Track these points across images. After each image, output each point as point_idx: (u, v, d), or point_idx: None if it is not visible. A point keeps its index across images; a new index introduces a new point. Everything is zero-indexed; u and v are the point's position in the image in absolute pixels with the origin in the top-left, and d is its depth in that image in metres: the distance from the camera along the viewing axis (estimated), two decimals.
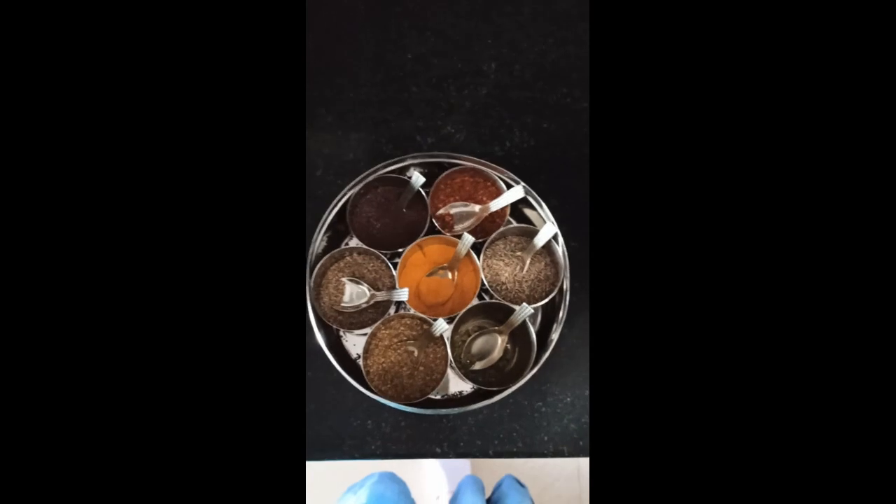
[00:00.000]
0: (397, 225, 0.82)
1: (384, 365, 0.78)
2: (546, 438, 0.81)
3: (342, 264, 0.81)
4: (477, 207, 0.81)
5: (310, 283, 0.77)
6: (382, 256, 0.79)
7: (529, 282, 0.81)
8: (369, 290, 0.78)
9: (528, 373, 0.75)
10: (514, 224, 0.85)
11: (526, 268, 0.81)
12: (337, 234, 0.84)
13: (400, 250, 0.79)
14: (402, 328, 0.79)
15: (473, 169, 0.83)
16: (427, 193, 0.81)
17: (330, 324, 0.77)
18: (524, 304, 0.75)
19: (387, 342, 0.78)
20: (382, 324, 0.77)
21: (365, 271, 0.80)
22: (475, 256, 0.79)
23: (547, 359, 0.76)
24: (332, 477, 1.29)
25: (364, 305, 0.78)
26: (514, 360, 0.81)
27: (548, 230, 0.78)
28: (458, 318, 0.78)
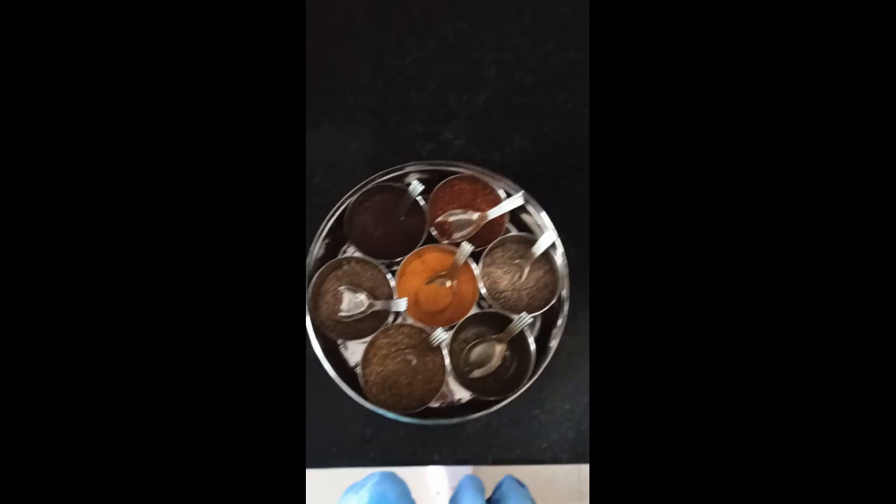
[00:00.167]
0: (396, 233, 0.82)
1: (383, 374, 0.78)
2: (545, 446, 0.81)
3: (340, 273, 0.81)
4: (475, 215, 0.81)
5: (308, 292, 0.78)
6: (381, 266, 0.79)
7: (528, 290, 0.81)
8: (367, 300, 0.78)
9: (527, 382, 0.75)
10: (513, 231, 0.85)
11: (525, 276, 0.81)
12: (335, 242, 0.84)
13: (398, 259, 0.79)
14: (400, 337, 0.79)
15: (472, 176, 0.83)
16: (426, 201, 0.81)
17: (328, 334, 0.78)
18: (523, 313, 0.75)
19: (385, 351, 0.79)
20: (381, 333, 0.78)
21: (363, 280, 0.80)
22: (473, 265, 0.79)
23: (546, 366, 0.77)
24: (331, 477, 1.30)
25: (362, 315, 0.78)
26: (514, 367, 0.81)
27: (547, 238, 0.78)
28: (456, 326, 0.78)
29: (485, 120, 0.92)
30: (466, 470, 1.53)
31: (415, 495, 1.11)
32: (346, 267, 0.81)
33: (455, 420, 0.75)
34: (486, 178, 0.82)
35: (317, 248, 0.80)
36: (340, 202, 0.80)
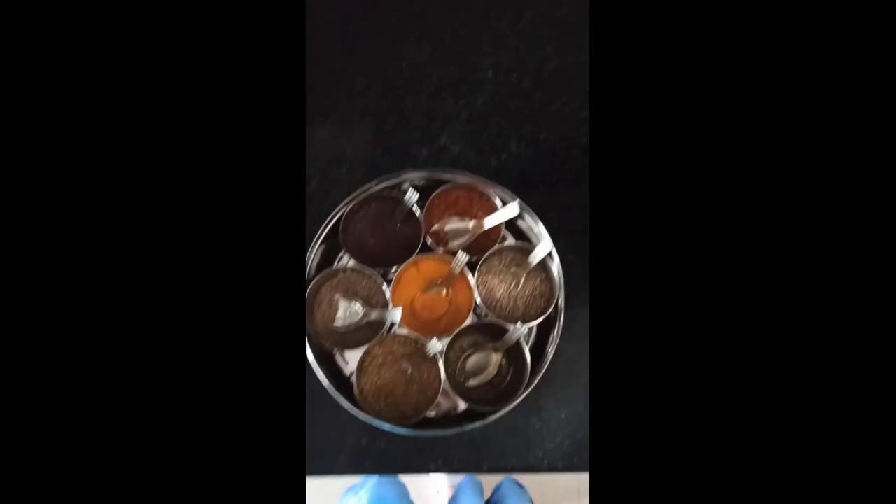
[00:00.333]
0: (392, 241, 0.82)
1: (378, 383, 0.78)
2: (540, 454, 0.81)
3: (335, 281, 0.80)
4: (472, 223, 0.80)
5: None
6: (376, 275, 0.78)
7: (525, 298, 0.81)
8: (363, 308, 0.78)
9: (522, 393, 0.75)
10: (510, 239, 0.85)
11: (521, 284, 0.81)
12: (331, 249, 0.84)
13: (394, 268, 0.78)
14: (395, 346, 0.79)
15: (468, 184, 0.82)
16: (422, 208, 0.81)
17: (323, 343, 0.77)
18: (518, 323, 0.75)
19: (381, 360, 0.78)
20: (376, 342, 0.77)
21: (359, 288, 0.80)
22: (469, 274, 0.79)
23: (542, 374, 0.76)
24: (326, 485, 1.30)
25: (357, 324, 0.78)
26: (510, 376, 0.81)
27: (543, 248, 0.77)
28: (453, 335, 0.78)
29: (482, 125, 0.91)
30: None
31: (414, 495, 1.11)
32: (341, 276, 0.80)
33: (449, 432, 0.75)
34: (482, 187, 0.81)
35: (312, 256, 0.80)
36: (336, 211, 0.80)
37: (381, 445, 0.81)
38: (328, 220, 0.80)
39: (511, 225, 0.84)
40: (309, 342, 0.76)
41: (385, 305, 0.79)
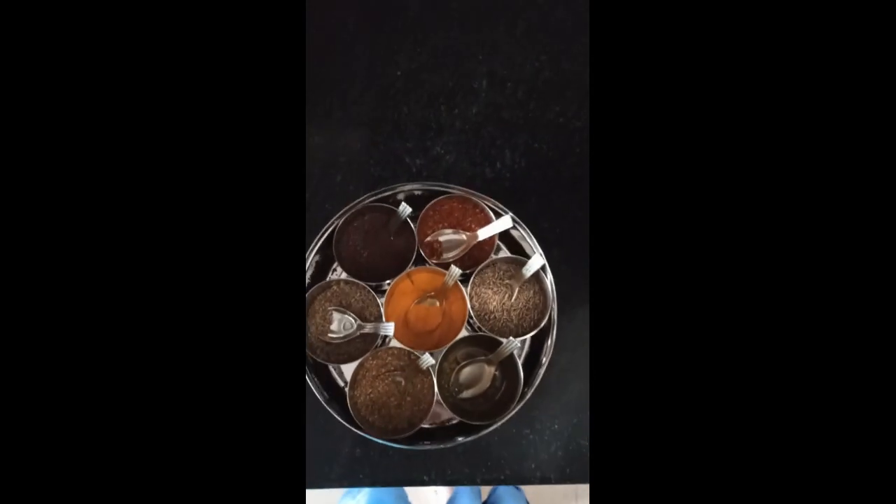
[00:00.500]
0: (385, 253, 0.82)
1: (371, 396, 0.78)
2: (533, 466, 0.82)
3: (329, 294, 0.80)
4: (465, 235, 0.80)
5: None
6: (369, 288, 0.78)
7: (518, 310, 0.81)
8: (356, 321, 0.78)
9: (515, 407, 0.75)
10: (504, 250, 0.85)
11: (515, 296, 0.81)
12: (325, 260, 0.84)
13: (388, 282, 0.78)
14: (389, 358, 0.79)
15: (462, 196, 0.82)
16: (415, 220, 0.81)
17: (316, 357, 0.77)
18: (511, 338, 0.75)
19: (374, 372, 0.79)
20: (370, 354, 0.78)
21: (352, 300, 0.80)
22: (462, 287, 0.79)
23: (535, 385, 0.77)
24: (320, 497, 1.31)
25: (351, 336, 0.78)
26: (503, 389, 0.81)
27: (535, 262, 0.77)
28: (446, 347, 0.78)
29: (476, 134, 0.91)
30: None
31: (412, 497, 1.12)
32: (335, 288, 0.80)
33: (441, 447, 0.75)
34: (476, 198, 0.81)
35: (307, 267, 0.80)
36: (329, 223, 0.79)
37: (375, 457, 0.81)
38: (322, 232, 0.79)
39: (505, 235, 0.84)
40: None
41: (379, 318, 0.79)
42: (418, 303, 0.80)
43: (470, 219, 0.82)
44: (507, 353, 0.76)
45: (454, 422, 0.82)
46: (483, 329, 0.78)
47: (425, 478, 0.81)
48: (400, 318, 0.80)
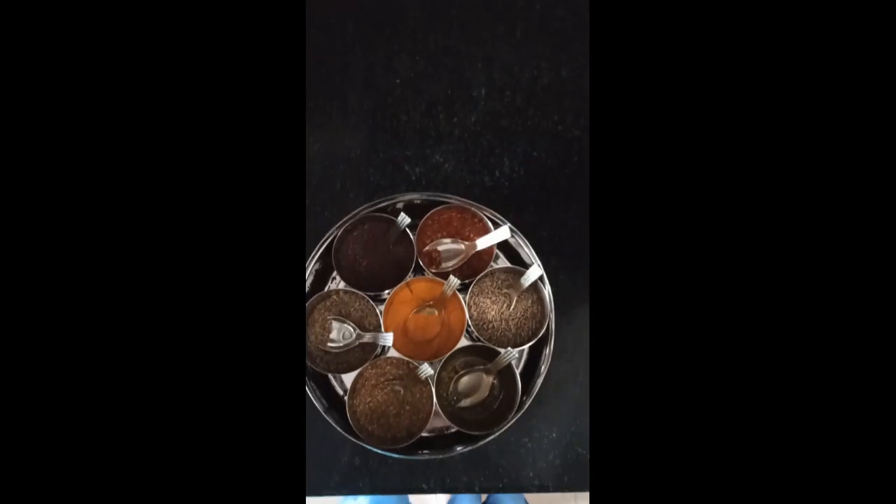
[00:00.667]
0: (384, 262, 0.82)
1: (371, 404, 0.78)
2: (531, 474, 0.82)
3: (328, 303, 0.81)
4: (464, 245, 0.81)
5: None
6: (367, 298, 0.79)
7: (516, 320, 0.81)
8: (355, 330, 0.78)
9: (513, 417, 0.75)
10: (502, 259, 0.85)
11: (513, 305, 0.81)
12: (325, 268, 0.84)
13: (387, 291, 0.79)
14: (388, 367, 0.79)
15: (461, 205, 0.82)
16: (414, 229, 0.81)
17: (315, 366, 0.78)
18: (509, 348, 0.75)
19: (373, 381, 0.79)
20: (369, 364, 0.78)
21: (351, 310, 0.80)
22: (461, 296, 0.79)
23: (533, 394, 0.77)
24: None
25: (351, 346, 0.78)
26: (501, 398, 0.82)
27: (533, 272, 0.77)
28: (445, 357, 0.79)
29: (475, 142, 0.91)
30: None
31: (412, 497, 1.13)
32: (334, 297, 0.81)
33: (440, 456, 0.76)
34: (474, 208, 0.81)
35: (306, 276, 0.80)
36: (328, 234, 0.80)
37: (374, 465, 0.82)
38: (321, 241, 0.80)
39: (504, 244, 0.84)
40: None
41: (378, 327, 0.79)
42: (417, 312, 0.80)
43: (468, 228, 0.83)
44: (505, 364, 0.77)
45: (453, 430, 0.82)
46: (481, 338, 0.78)
47: (424, 486, 0.81)
48: (399, 327, 0.80)
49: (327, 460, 0.82)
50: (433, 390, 0.77)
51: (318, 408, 0.76)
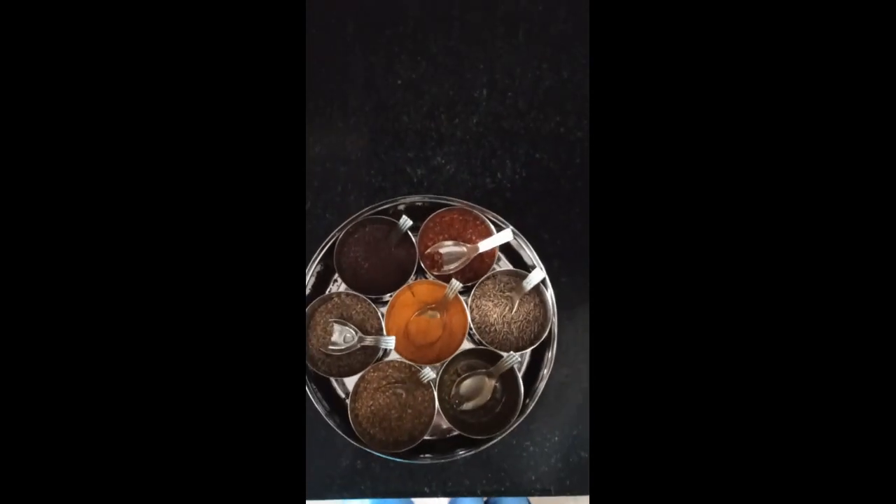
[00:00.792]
0: (386, 265, 0.82)
1: (373, 408, 0.78)
2: (533, 478, 0.82)
3: (330, 305, 0.80)
4: (466, 247, 0.80)
5: None
6: (369, 301, 0.78)
7: (518, 323, 0.81)
8: (357, 333, 0.78)
9: (516, 421, 0.75)
10: (504, 262, 0.85)
11: (515, 308, 0.81)
12: (326, 271, 0.84)
13: (389, 294, 0.78)
14: (390, 370, 0.79)
15: (463, 208, 0.82)
16: (416, 231, 0.81)
17: (317, 370, 0.78)
18: (511, 352, 0.75)
19: (375, 385, 0.79)
20: (371, 367, 0.78)
21: (353, 313, 0.80)
22: (463, 299, 0.79)
23: (536, 398, 0.77)
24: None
25: (352, 349, 0.78)
26: (504, 401, 0.81)
27: (536, 275, 0.77)
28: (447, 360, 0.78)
29: (477, 144, 0.91)
30: None
31: (414, 500, 1.13)
32: (335, 300, 0.80)
33: (441, 461, 0.75)
34: (476, 211, 0.81)
35: (307, 279, 0.80)
36: (330, 237, 0.79)
37: (376, 469, 0.81)
38: (323, 244, 0.79)
39: (506, 246, 0.84)
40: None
41: (379, 330, 0.79)
42: (419, 315, 0.80)
43: (470, 230, 0.82)
44: (508, 367, 0.76)
45: (455, 433, 0.82)
46: (484, 342, 0.78)
47: (426, 489, 0.81)
48: (401, 330, 0.80)
49: (329, 464, 0.82)
50: (435, 394, 0.77)
51: (320, 411, 0.76)
